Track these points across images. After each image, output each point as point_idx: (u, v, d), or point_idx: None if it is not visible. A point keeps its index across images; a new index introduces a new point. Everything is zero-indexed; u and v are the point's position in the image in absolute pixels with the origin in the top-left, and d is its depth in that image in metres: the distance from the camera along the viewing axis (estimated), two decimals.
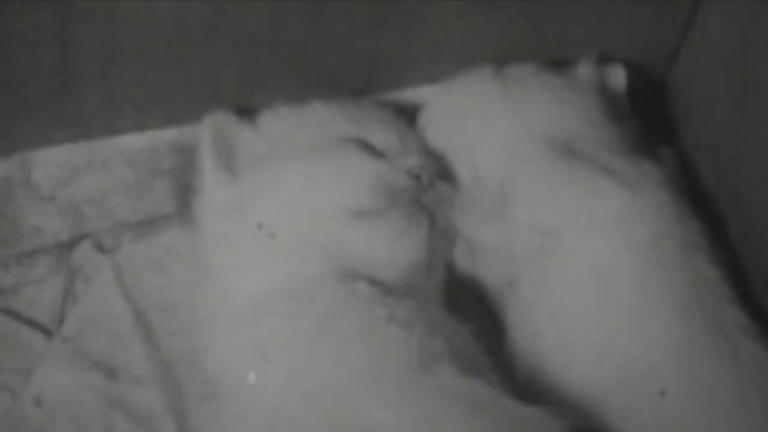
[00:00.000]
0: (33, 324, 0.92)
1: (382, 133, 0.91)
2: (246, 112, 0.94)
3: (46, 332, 0.91)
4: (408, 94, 1.02)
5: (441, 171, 0.92)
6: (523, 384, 0.87)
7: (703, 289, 0.87)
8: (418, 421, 0.77)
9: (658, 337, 0.85)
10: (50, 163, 0.95)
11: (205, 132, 0.91)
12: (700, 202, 0.96)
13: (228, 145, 0.91)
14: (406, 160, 0.90)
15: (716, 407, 0.83)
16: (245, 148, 0.90)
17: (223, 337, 0.85)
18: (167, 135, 0.97)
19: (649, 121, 1.00)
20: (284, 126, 0.92)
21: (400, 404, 0.78)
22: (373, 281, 0.84)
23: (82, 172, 0.95)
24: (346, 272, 0.84)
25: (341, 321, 0.82)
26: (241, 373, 0.82)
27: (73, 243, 0.94)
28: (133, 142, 0.96)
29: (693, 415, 0.83)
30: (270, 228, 0.86)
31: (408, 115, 0.98)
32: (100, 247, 0.94)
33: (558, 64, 0.99)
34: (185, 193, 0.93)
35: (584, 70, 0.99)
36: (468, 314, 0.88)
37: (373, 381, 0.79)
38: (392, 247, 0.86)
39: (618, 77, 1.00)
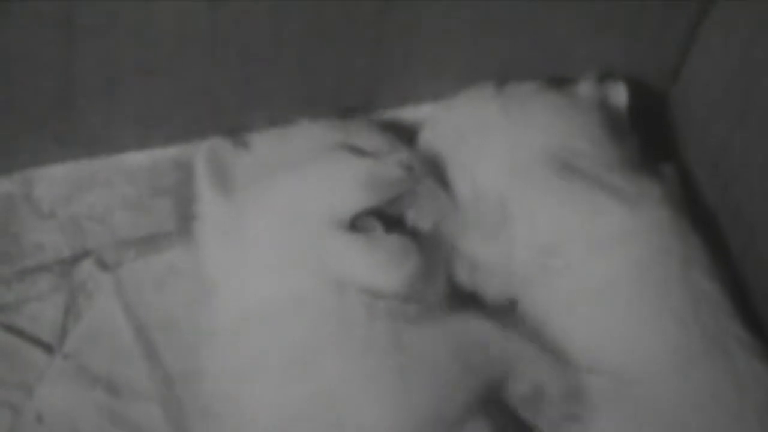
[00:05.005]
0: (35, 340, 0.92)
1: (370, 139, 0.92)
2: (239, 135, 0.94)
3: (48, 349, 0.92)
4: (410, 112, 1.02)
5: (440, 181, 0.93)
6: None
7: (702, 304, 0.87)
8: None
9: (657, 352, 0.85)
10: (52, 180, 0.95)
11: (200, 158, 0.91)
12: (701, 217, 0.96)
13: (222, 168, 0.91)
14: (395, 155, 0.90)
15: (714, 422, 0.83)
16: (239, 169, 0.91)
17: (221, 354, 0.85)
18: (169, 152, 0.97)
19: (650, 137, 1.00)
20: (275, 145, 0.92)
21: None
22: (365, 289, 0.84)
23: (83, 190, 0.96)
24: (340, 282, 0.84)
25: (330, 327, 0.82)
26: (239, 388, 0.82)
27: (74, 260, 0.94)
28: (134, 159, 0.97)
29: (691, 430, 0.83)
30: (266, 241, 0.86)
31: (409, 133, 0.99)
32: (102, 264, 0.95)
33: (559, 81, 1.00)
34: (187, 210, 0.93)
35: (585, 87, 0.99)
36: None
37: (367, 383, 0.80)
38: (383, 271, 0.85)
39: (619, 95, 1.00)
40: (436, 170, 0.93)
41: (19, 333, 0.92)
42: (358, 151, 0.90)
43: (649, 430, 0.83)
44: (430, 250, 0.88)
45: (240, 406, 0.83)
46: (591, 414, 0.85)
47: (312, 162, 0.89)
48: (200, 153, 0.91)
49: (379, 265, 0.85)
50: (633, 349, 0.86)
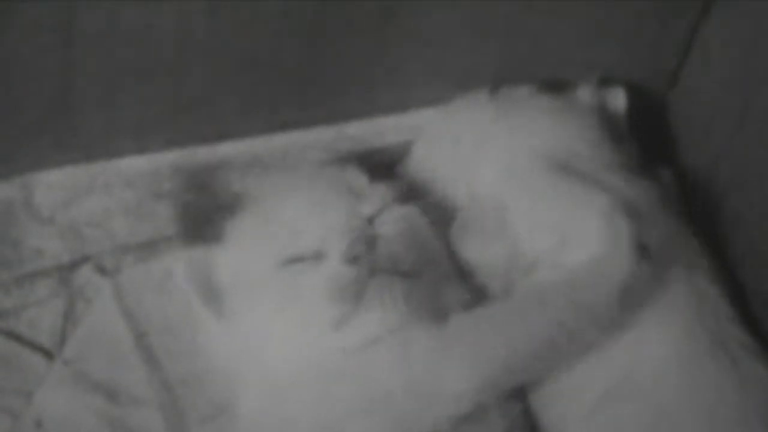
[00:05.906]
0: (34, 346, 0.92)
1: (305, 234, 0.85)
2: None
3: (47, 354, 0.91)
4: (408, 117, 1.02)
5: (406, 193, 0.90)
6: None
7: (705, 307, 0.87)
8: None
9: (660, 353, 0.85)
10: (51, 185, 0.95)
11: (184, 280, 0.86)
12: (701, 222, 0.96)
13: (209, 284, 0.86)
14: (337, 251, 0.84)
15: (717, 425, 0.83)
16: (225, 277, 0.87)
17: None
18: (168, 157, 0.97)
19: (649, 141, 1.00)
20: (242, 258, 0.87)
21: None
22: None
23: (82, 195, 0.95)
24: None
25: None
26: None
27: (74, 265, 0.94)
28: (133, 164, 0.97)
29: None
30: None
31: (405, 143, 1.00)
32: (101, 270, 0.95)
33: (558, 85, 1.00)
34: (186, 215, 0.93)
35: (583, 92, 0.99)
36: None
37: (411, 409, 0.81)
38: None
39: (617, 99, 1.00)
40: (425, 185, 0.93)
41: (18, 339, 0.92)
42: (306, 259, 0.84)
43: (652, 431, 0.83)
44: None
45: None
46: (593, 414, 0.85)
47: (282, 298, 0.84)
48: (180, 275, 0.86)
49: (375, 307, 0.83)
50: (635, 347, 0.86)
